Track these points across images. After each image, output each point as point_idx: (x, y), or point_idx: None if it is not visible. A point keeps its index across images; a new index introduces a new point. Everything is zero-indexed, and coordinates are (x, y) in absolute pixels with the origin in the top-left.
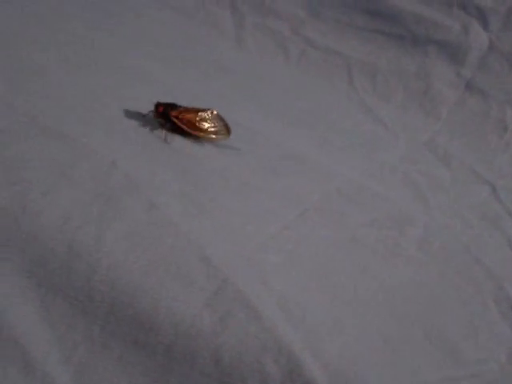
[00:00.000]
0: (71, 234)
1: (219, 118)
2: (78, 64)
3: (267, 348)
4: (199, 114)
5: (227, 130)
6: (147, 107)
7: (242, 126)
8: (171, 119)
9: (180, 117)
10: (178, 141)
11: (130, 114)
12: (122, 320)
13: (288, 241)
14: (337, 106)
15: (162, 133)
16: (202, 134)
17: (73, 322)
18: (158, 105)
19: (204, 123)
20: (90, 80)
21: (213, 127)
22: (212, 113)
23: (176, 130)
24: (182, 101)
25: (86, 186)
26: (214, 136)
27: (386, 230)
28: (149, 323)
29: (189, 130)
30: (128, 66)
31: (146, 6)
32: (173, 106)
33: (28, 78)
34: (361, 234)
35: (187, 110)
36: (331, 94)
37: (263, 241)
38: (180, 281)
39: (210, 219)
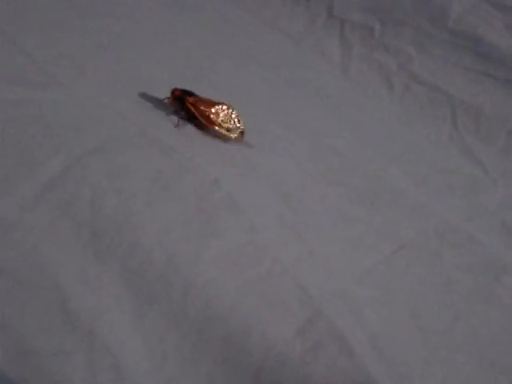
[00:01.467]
0: (171, 247)
1: (235, 117)
2: (189, 80)
3: None
4: (216, 106)
5: (241, 130)
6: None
7: (338, 154)
8: (186, 105)
9: (196, 105)
10: (278, 162)
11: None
12: (213, 337)
13: (383, 276)
14: (438, 145)
15: (176, 119)
16: (213, 126)
17: (165, 334)
18: (174, 89)
19: (218, 117)
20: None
21: (226, 123)
22: (228, 109)
23: (190, 118)
24: (279, 123)
25: (189, 201)
26: (225, 132)
27: (482, 276)
28: (240, 344)
29: (201, 119)
30: (233, 85)
31: (258, 28)
32: (190, 94)
33: (136, 87)
34: (456, 278)
35: (204, 100)
36: (433, 132)
37: (359, 273)
38: (274, 306)
39: (308, 246)
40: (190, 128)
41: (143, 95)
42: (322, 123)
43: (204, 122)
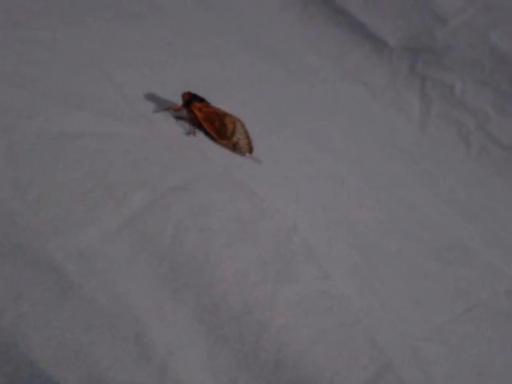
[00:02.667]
0: (247, 290)
1: (244, 131)
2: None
3: None
4: (224, 117)
5: (249, 146)
6: (322, 170)
7: (413, 207)
8: (193, 110)
9: (202, 110)
10: (354, 211)
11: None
12: (283, 382)
13: (452, 334)
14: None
15: (185, 125)
16: (215, 134)
17: (236, 375)
18: (185, 93)
19: (224, 128)
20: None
21: (233, 136)
22: (238, 122)
23: (197, 125)
24: (354, 173)
25: (267, 245)
26: (229, 145)
27: None
28: None
29: (205, 127)
30: (308, 129)
31: (340, 79)
32: (200, 100)
33: None
34: None
35: (214, 109)
36: (508, 194)
37: (429, 330)
38: (344, 355)
39: (380, 300)
40: (265, 167)
41: None
42: (398, 176)
43: (208, 130)
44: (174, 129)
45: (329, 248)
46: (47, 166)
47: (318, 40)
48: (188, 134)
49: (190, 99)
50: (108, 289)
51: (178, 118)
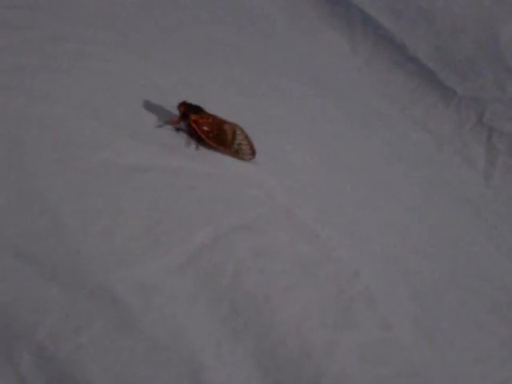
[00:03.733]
0: (306, 334)
1: (244, 136)
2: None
3: None
4: (223, 124)
5: (251, 150)
6: (386, 216)
7: (476, 260)
8: (190, 123)
9: (199, 121)
10: (416, 261)
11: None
12: None
13: None
14: None
15: (184, 137)
16: (215, 144)
17: None
18: (181, 104)
19: (224, 136)
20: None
21: (234, 142)
22: (237, 128)
23: (197, 136)
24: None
25: (328, 290)
26: (231, 152)
27: None
28: None
29: (205, 139)
30: (373, 175)
31: (407, 126)
32: (196, 110)
33: (288, 172)
34: None
35: (211, 117)
36: None
37: None
38: None
39: (440, 353)
40: (328, 209)
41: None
42: (462, 227)
43: (208, 141)
44: (238, 166)
45: (390, 296)
46: (113, 198)
47: (385, 85)
48: (187, 145)
49: (186, 111)
50: (167, 324)
51: (179, 129)
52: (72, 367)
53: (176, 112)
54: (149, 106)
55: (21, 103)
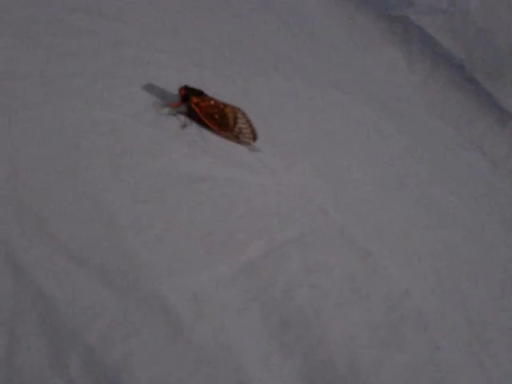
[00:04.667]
0: (355, 352)
1: (246, 120)
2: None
3: None
4: (224, 108)
5: (253, 135)
6: (438, 236)
7: None
8: (192, 106)
9: (201, 104)
10: (470, 289)
11: None
12: None
13: None
14: None
15: (182, 118)
16: (216, 127)
17: None
18: (182, 88)
19: (225, 119)
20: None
21: (235, 126)
22: (239, 112)
23: (198, 119)
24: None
25: (378, 308)
26: (232, 136)
27: None
28: None
29: (206, 121)
30: (426, 193)
31: (461, 146)
32: (198, 93)
33: (349, 188)
34: None
35: (213, 101)
36: None
37: None
38: None
39: (488, 377)
40: (381, 228)
41: (343, 191)
42: None
43: (209, 124)
44: (294, 178)
45: (440, 318)
46: (169, 206)
47: (442, 104)
48: (183, 127)
49: (187, 94)
50: (217, 335)
51: (179, 113)
52: (120, 374)
53: None
54: None
55: (79, 108)
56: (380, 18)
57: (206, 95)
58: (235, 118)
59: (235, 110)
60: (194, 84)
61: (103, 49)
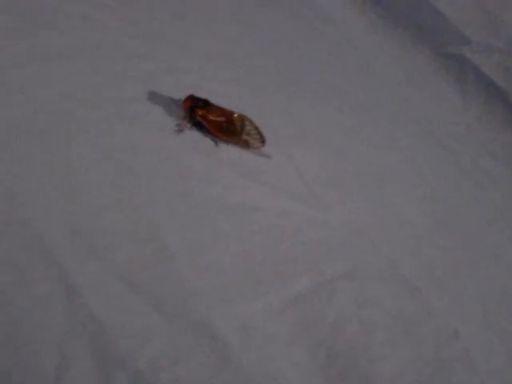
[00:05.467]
0: None
1: (254, 127)
2: None
3: None
4: (231, 115)
5: (261, 139)
6: (488, 277)
7: None
8: (197, 118)
9: (207, 116)
10: None
11: None
12: None
13: None
14: None
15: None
16: (224, 136)
17: None
18: (187, 98)
19: (233, 127)
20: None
21: (243, 132)
22: (246, 119)
23: (206, 130)
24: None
25: (426, 347)
26: (241, 143)
27: None
28: None
29: (214, 132)
30: (475, 233)
31: (510, 184)
32: (203, 104)
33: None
34: None
35: (219, 109)
36: None
37: None
38: None
39: None
40: (429, 265)
41: (394, 227)
42: None
43: (220, 135)
44: (345, 212)
45: (488, 359)
46: (220, 234)
47: (495, 143)
48: (180, 131)
49: (193, 106)
50: (264, 365)
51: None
52: None
53: None
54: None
55: (136, 133)
56: (436, 54)
57: (211, 104)
58: (242, 125)
59: (242, 117)
60: (252, 114)
61: (161, 75)
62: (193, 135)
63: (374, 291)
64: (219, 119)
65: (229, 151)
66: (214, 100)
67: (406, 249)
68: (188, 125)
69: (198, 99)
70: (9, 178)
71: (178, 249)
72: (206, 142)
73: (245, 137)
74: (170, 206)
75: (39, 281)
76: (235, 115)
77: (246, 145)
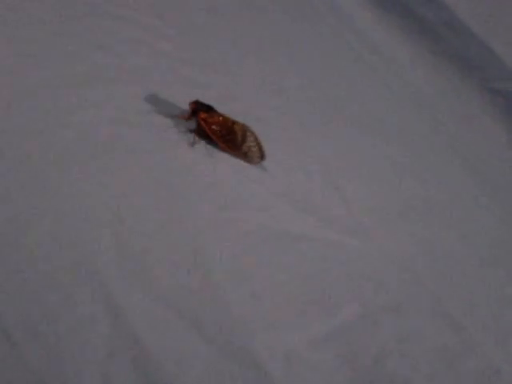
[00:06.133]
0: None
1: (254, 139)
2: None
3: None
4: (233, 125)
5: (261, 153)
6: None
7: None
8: (199, 121)
9: (209, 121)
10: None
11: None
12: None
13: None
14: None
15: (191, 136)
16: (224, 144)
17: None
18: (192, 102)
19: (234, 137)
20: None
21: (243, 144)
22: (247, 130)
23: (206, 136)
24: None
25: None
26: (240, 154)
27: None
28: None
29: (213, 137)
30: None
31: None
32: (207, 109)
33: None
34: None
35: (222, 117)
36: None
37: None
38: None
39: None
40: (474, 302)
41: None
42: None
43: (217, 141)
44: (392, 245)
45: None
46: (266, 262)
47: None
48: (193, 144)
49: (197, 109)
50: None
51: (190, 131)
52: None
53: None
54: (310, 181)
55: (187, 158)
56: (483, 90)
57: (215, 111)
58: (244, 136)
59: (244, 127)
60: (301, 145)
61: (212, 101)
62: (244, 164)
63: (418, 326)
64: (220, 125)
65: (277, 181)
66: (262, 128)
67: (451, 285)
68: (196, 137)
69: (202, 104)
70: (59, 199)
71: (222, 276)
72: (256, 170)
73: (244, 148)
74: (216, 233)
75: (85, 301)
76: (237, 125)
77: (244, 157)
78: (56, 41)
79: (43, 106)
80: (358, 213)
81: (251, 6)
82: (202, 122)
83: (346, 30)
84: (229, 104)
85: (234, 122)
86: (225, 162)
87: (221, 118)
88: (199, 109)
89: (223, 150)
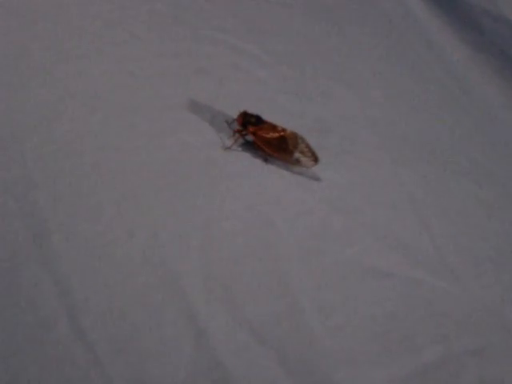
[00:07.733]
0: None
1: (306, 145)
2: None
3: None
4: (283, 133)
5: (314, 157)
6: None
7: None
8: (250, 135)
9: (258, 133)
10: None
11: None
12: None
13: None
14: None
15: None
16: (276, 153)
17: None
18: (240, 115)
19: (285, 144)
20: None
21: (295, 151)
22: (298, 136)
23: (258, 147)
24: None
25: None
26: (292, 160)
27: None
28: None
29: (264, 148)
30: None
31: None
32: (256, 120)
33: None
34: None
35: (270, 127)
36: None
37: None
38: None
39: None
40: None
41: None
42: None
43: (271, 152)
44: (478, 287)
45: None
46: (351, 297)
47: None
48: (266, 161)
49: (245, 122)
50: None
51: (247, 142)
52: None
53: None
54: (398, 219)
55: (279, 187)
56: None
57: (263, 121)
58: (295, 143)
59: (294, 134)
60: (390, 181)
61: (304, 132)
62: (331, 192)
63: (502, 372)
64: (270, 135)
65: (365, 214)
66: (352, 162)
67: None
68: (237, 140)
69: (251, 115)
70: (151, 218)
71: (308, 306)
72: (345, 201)
73: (297, 155)
74: (304, 262)
75: (170, 322)
76: (287, 132)
77: (297, 163)
78: (158, 61)
79: (141, 125)
80: (447, 252)
81: (351, 40)
82: (252, 136)
83: (438, 67)
84: (321, 135)
85: (283, 130)
86: (315, 193)
87: (270, 128)
88: (248, 122)
89: (275, 157)
